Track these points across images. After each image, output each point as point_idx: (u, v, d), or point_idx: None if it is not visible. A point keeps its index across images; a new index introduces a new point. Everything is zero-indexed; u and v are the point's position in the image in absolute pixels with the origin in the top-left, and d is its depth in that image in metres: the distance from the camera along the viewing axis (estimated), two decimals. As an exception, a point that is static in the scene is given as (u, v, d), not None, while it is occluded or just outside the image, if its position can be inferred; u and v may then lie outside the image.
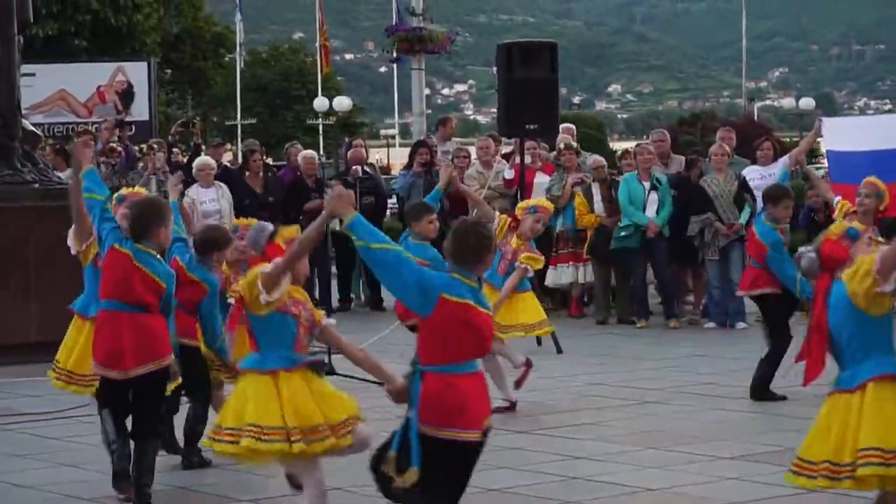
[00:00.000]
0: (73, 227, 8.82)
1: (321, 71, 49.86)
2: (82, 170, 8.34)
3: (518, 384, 10.84)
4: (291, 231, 7.38)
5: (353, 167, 17.88)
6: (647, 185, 15.90)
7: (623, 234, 15.90)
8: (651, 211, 15.84)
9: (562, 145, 17.15)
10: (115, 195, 9.08)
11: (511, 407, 10.67)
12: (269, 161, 25.42)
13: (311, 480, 6.94)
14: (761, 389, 11.10)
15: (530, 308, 11.29)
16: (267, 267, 6.74)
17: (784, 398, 11.02)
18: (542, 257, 11.67)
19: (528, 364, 10.92)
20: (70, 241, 8.90)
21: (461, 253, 6.26)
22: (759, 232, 11.31)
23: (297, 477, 7.31)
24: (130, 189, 9.27)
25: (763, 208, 11.58)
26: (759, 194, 13.74)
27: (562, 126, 18.78)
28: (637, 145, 17.24)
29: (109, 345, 7.75)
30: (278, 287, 6.71)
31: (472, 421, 6.19)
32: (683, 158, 16.89)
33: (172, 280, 7.98)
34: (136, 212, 7.92)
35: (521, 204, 12.10)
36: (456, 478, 6.26)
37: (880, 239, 7.37)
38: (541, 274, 15.91)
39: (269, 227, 7.50)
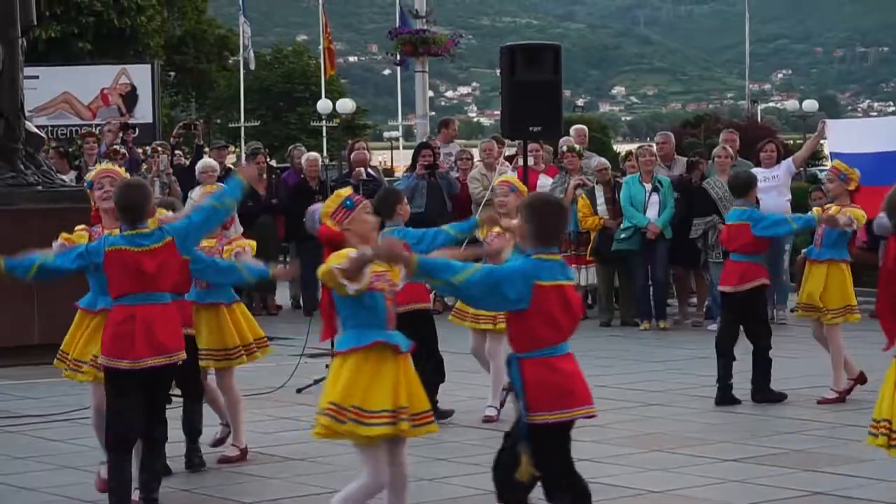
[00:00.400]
0: None
1: (325, 73, 49.86)
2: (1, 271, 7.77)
3: (502, 403, 10.32)
4: (335, 198, 7.12)
5: (357, 169, 17.86)
6: (648, 186, 15.89)
7: (623, 235, 15.89)
8: (652, 213, 15.83)
9: (564, 148, 17.13)
10: (86, 182, 8.92)
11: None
12: (273, 163, 25.44)
13: (366, 468, 6.56)
14: (762, 390, 11.10)
15: None
16: (342, 262, 6.55)
17: (785, 396, 11.08)
18: None
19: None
20: None
21: (541, 230, 6.31)
22: (735, 218, 11.22)
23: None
24: (93, 171, 8.95)
25: (738, 197, 11.44)
26: (762, 196, 13.70)
27: (573, 128, 18.77)
28: (639, 147, 17.23)
29: (119, 335, 7.51)
30: (363, 275, 6.55)
31: (585, 397, 6.22)
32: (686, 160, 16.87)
33: (174, 227, 7.64)
34: (126, 201, 7.63)
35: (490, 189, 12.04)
36: (566, 458, 6.23)
37: None
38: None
39: (319, 207, 7.42)
